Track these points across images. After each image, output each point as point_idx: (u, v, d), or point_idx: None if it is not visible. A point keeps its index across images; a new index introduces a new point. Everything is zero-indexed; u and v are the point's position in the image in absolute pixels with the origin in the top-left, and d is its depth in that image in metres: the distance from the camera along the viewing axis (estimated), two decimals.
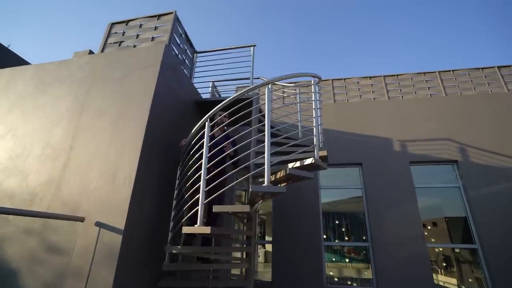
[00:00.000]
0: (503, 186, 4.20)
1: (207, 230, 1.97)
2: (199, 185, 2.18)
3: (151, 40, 3.56)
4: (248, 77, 3.95)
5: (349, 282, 4.43)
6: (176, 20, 3.69)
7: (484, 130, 4.69)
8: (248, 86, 3.10)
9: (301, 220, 4.57)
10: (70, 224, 2.31)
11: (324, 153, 2.51)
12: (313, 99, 2.65)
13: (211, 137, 2.44)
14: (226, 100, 2.47)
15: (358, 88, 6.04)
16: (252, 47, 4.04)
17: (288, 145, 2.46)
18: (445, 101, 5.17)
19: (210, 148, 2.34)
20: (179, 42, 3.81)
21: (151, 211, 2.58)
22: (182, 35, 3.94)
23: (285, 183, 2.61)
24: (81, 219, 2.27)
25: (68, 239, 2.26)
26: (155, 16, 3.71)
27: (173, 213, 2.57)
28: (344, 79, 6.18)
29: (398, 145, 4.84)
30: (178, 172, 2.78)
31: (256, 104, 2.82)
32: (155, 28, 3.64)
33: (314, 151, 2.39)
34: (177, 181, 2.74)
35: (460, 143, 4.65)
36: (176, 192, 2.69)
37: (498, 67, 5.52)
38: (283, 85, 4.76)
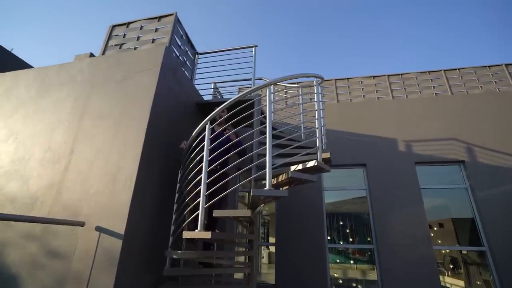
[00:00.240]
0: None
1: (207, 235, 1.93)
2: (200, 189, 2.15)
3: (152, 42, 3.54)
4: (250, 78, 3.91)
5: (354, 284, 4.37)
6: (177, 21, 3.66)
7: (492, 129, 4.59)
8: (250, 87, 3.06)
9: (304, 221, 4.52)
10: (70, 228, 2.29)
11: (327, 155, 2.46)
12: (315, 100, 2.60)
13: (212, 133, 2.40)
14: (227, 102, 2.43)
15: (362, 88, 5.96)
16: (253, 48, 4.00)
17: (291, 147, 2.41)
18: (451, 100, 5.08)
19: (212, 142, 2.31)
20: (180, 44, 3.78)
21: (151, 215, 2.56)
22: (183, 36, 3.92)
23: (287, 186, 2.57)
24: (82, 224, 2.25)
25: (69, 244, 2.25)
26: (155, 18, 3.69)
27: (174, 217, 2.54)
28: (348, 78, 6.11)
29: (403, 145, 4.76)
30: (179, 175, 2.75)
31: (258, 106, 2.77)
32: (156, 30, 3.62)
33: (317, 153, 2.34)
34: (178, 185, 2.71)
35: (467, 142, 4.55)
36: (177, 195, 2.66)
37: (506, 65, 5.41)
38: (285, 86, 4.71)
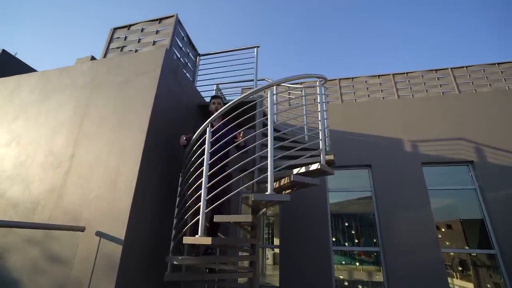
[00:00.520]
0: None
1: (207, 241, 1.89)
2: (201, 193, 2.11)
3: (153, 44, 3.52)
4: (252, 79, 3.87)
5: (359, 286, 4.29)
6: (178, 23, 3.63)
7: (502, 128, 4.45)
8: (253, 88, 3.02)
9: (308, 222, 4.45)
10: (71, 233, 2.28)
11: (330, 157, 2.39)
12: (318, 101, 2.54)
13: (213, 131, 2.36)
14: (228, 104, 2.38)
15: (366, 87, 5.86)
16: (255, 48, 3.95)
17: (294, 149, 2.35)
18: (459, 99, 4.95)
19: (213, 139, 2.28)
20: (181, 45, 3.76)
21: (152, 220, 2.53)
22: (184, 38, 3.89)
23: (289, 190, 2.51)
24: (82, 229, 2.24)
25: (69, 248, 2.23)
26: (156, 19, 3.66)
27: (175, 221, 2.51)
28: (352, 78, 6.01)
29: (409, 145, 4.66)
30: (180, 179, 2.71)
31: (260, 107, 2.72)
32: (157, 32, 3.60)
33: (320, 156, 2.28)
34: (179, 188, 2.67)
35: (475, 142, 4.43)
36: (178, 199, 2.63)
37: None
38: (288, 87, 4.65)
